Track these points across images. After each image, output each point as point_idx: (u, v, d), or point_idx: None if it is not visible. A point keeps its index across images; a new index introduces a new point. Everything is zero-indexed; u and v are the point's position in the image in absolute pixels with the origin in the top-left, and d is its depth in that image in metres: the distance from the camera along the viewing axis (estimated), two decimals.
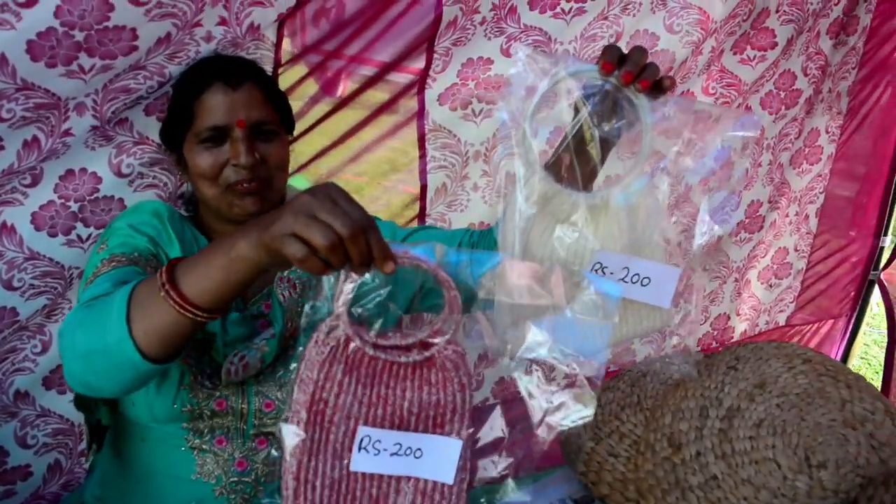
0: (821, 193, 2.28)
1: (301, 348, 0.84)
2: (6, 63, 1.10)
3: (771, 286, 2.39)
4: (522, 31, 1.57)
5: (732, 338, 2.41)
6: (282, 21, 1.41)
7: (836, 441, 0.97)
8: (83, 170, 1.35)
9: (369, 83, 1.57)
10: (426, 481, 0.86)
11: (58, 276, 1.39)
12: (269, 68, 1.44)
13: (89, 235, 1.39)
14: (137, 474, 1.18)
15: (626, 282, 0.92)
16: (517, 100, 0.88)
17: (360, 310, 0.81)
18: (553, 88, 0.89)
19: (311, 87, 1.56)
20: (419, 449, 0.85)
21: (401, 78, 1.58)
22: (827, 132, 2.17)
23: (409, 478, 0.86)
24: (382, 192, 1.67)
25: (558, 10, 1.58)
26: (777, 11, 1.80)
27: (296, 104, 1.48)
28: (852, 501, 0.92)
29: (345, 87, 1.58)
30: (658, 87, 0.91)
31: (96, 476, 1.33)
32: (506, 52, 1.57)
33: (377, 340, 0.83)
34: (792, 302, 2.48)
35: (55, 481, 1.56)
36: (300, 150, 1.58)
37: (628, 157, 0.93)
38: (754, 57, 1.84)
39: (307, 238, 0.76)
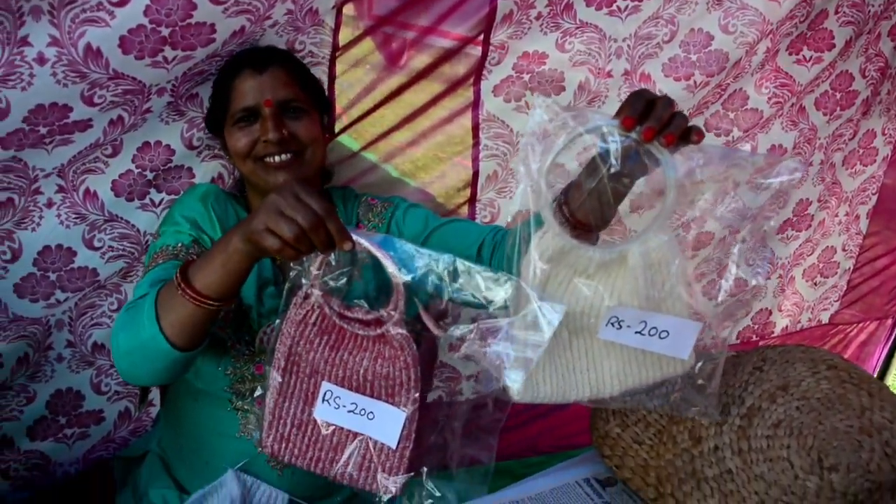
0: (874, 195, 2.25)
1: (282, 308, 0.99)
2: (101, 56, 1.20)
3: (816, 284, 2.38)
4: (578, 28, 1.60)
5: (773, 333, 2.42)
6: (339, 7, 1.48)
7: (850, 446, 1.02)
8: (158, 142, 1.45)
9: (434, 65, 1.62)
10: (375, 441, 1.00)
11: (133, 239, 1.51)
12: (327, 52, 1.52)
13: (161, 200, 1.51)
14: (190, 430, 1.31)
15: (642, 335, 0.93)
16: (533, 153, 0.88)
17: (333, 282, 0.95)
18: (573, 142, 0.87)
19: (377, 58, 1.61)
20: (371, 412, 0.99)
21: (459, 67, 1.63)
22: (883, 134, 2.13)
23: (362, 434, 1.00)
24: (437, 177, 1.74)
25: (614, 7, 1.60)
26: (836, 13, 1.77)
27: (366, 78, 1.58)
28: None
29: (408, 59, 1.62)
30: (685, 139, 0.88)
31: (159, 429, 1.47)
32: (561, 47, 1.61)
33: (343, 311, 0.98)
34: (837, 301, 2.46)
35: (124, 427, 1.70)
36: (368, 126, 1.67)
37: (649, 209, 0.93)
38: (810, 58, 1.82)
39: (278, 232, 0.89)
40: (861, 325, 2.56)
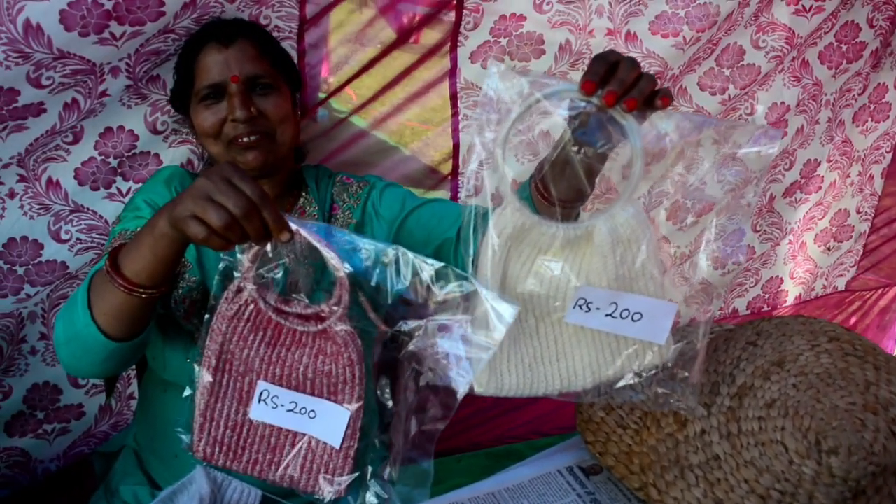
0: (888, 153, 2.13)
1: (213, 302, 0.92)
2: (42, 34, 1.14)
3: (829, 249, 2.28)
4: None
5: (786, 302, 2.32)
6: None
7: (851, 426, 0.93)
8: (121, 127, 1.40)
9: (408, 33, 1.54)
10: (318, 441, 0.93)
11: (102, 230, 1.46)
12: (294, 25, 1.44)
13: (128, 189, 1.45)
14: (161, 422, 1.26)
15: (613, 318, 0.85)
16: (488, 124, 0.81)
17: (269, 274, 0.87)
18: (530, 111, 0.80)
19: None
20: (313, 410, 0.92)
21: (434, 33, 1.54)
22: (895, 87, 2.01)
23: (303, 434, 0.94)
24: (420, 146, 1.66)
25: None
26: None
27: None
28: (861, 490, 0.89)
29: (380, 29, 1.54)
30: (649, 104, 0.82)
31: (134, 423, 1.43)
32: (539, 8, 1.52)
33: (280, 306, 0.90)
34: (853, 266, 2.35)
35: (105, 421, 1.67)
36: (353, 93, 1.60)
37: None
38: (810, 7, 1.70)
39: (205, 219, 0.81)
40: (881, 290, 2.44)
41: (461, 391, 0.81)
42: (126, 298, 0.95)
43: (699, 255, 0.85)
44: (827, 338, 1.07)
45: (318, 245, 0.84)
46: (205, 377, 0.94)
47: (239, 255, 0.88)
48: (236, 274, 0.90)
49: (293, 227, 0.83)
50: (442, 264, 0.81)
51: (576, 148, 0.87)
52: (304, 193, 1.36)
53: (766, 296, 2.26)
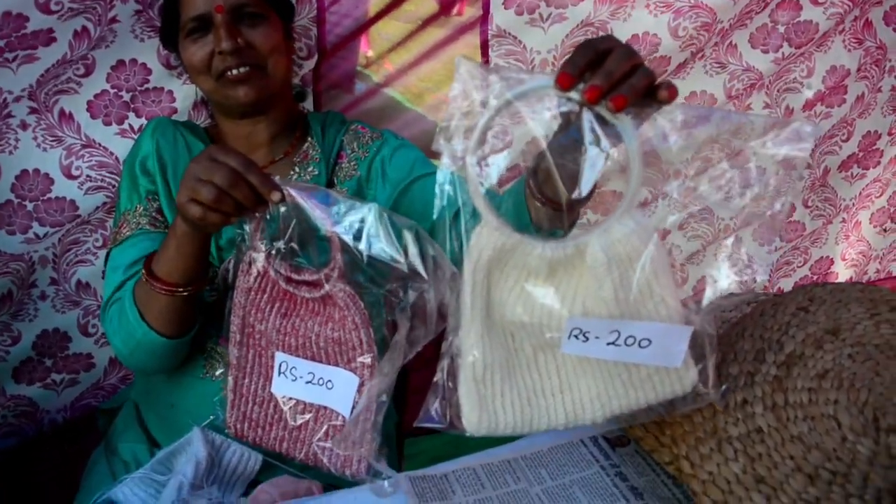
0: None
1: (233, 277, 0.93)
2: None
3: (886, 231, 2.13)
4: None
5: None
6: None
7: None
8: (133, 60, 1.36)
9: None
10: (339, 415, 0.90)
11: (112, 168, 1.42)
12: None
13: (140, 126, 1.41)
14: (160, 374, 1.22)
15: (617, 345, 0.74)
16: (457, 130, 0.70)
17: (276, 243, 0.88)
18: (501, 113, 0.69)
19: None
20: (330, 381, 0.90)
21: None
22: None
23: (325, 409, 0.91)
24: (443, 102, 1.57)
25: None
26: None
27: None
28: None
29: None
30: (651, 98, 0.69)
31: (136, 375, 1.39)
32: None
33: (289, 274, 0.89)
34: None
35: (115, 374, 1.64)
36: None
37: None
38: None
39: (198, 198, 0.86)
40: None
41: (468, 420, 0.78)
42: (169, 300, 1.02)
43: (718, 274, 0.74)
44: (888, 307, 0.95)
45: (306, 206, 0.83)
46: (232, 352, 0.95)
47: (245, 227, 0.90)
48: (245, 245, 0.91)
49: (284, 189, 0.85)
50: (417, 229, 0.78)
51: (565, 153, 0.74)
52: (309, 138, 1.30)
53: (815, 277, 2.14)
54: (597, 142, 0.70)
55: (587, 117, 0.70)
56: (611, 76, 0.68)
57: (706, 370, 0.79)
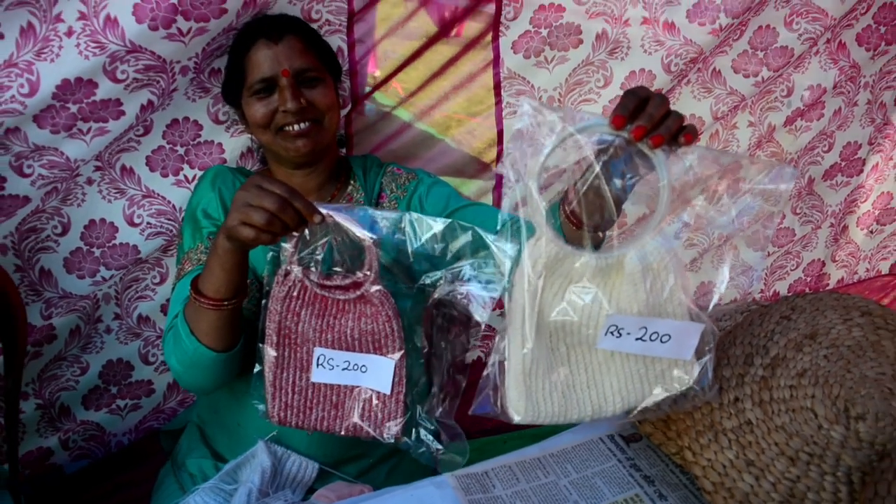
0: None
1: (267, 288, 1.06)
2: (117, 25, 1.23)
3: (872, 233, 2.28)
4: None
5: (828, 285, 2.34)
6: None
7: (879, 394, 0.98)
8: (186, 118, 1.49)
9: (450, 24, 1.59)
10: (372, 391, 1.06)
11: (170, 216, 1.55)
12: (343, 19, 1.53)
13: (194, 176, 1.55)
14: (222, 393, 1.35)
15: (643, 341, 0.91)
16: (522, 157, 0.84)
17: (311, 256, 1.01)
18: (563, 144, 0.84)
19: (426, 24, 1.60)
20: (364, 365, 1.05)
21: (475, 24, 1.60)
22: None
23: (358, 387, 1.07)
24: (464, 135, 1.73)
25: None
26: None
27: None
28: (885, 453, 0.93)
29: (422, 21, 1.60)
30: (674, 140, 0.86)
31: (198, 400, 1.53)
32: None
33: (322, 281, 1.04)
34: None
35: (173, 398, 1.78)
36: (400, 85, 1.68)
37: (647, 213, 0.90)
38: None
39: (250, 222, 0.97)
40: None
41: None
42: (217, 315, 1.11)
43: (717, 285, 0.91)
44: (859, 312, 1.11)
45: (344, 222, 0.98)
46: (270, 353, 1.07)
47: (283, 244, 1.02)
48: (282, 259, 1.03)
49: (323, 210, 0.98)
50: (449, 220, 0.94)
51: (604, 179, 0.89)
52: (352, 182, 1.44)
53: (808, 279, 2.28)
54: (635, 169, 0.88)
55: (631, 150, 0.87)
56: (652, 119, 0.85)
57: (706, 367, 0.95)
